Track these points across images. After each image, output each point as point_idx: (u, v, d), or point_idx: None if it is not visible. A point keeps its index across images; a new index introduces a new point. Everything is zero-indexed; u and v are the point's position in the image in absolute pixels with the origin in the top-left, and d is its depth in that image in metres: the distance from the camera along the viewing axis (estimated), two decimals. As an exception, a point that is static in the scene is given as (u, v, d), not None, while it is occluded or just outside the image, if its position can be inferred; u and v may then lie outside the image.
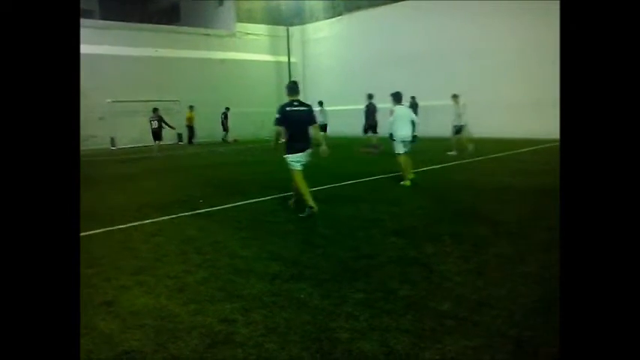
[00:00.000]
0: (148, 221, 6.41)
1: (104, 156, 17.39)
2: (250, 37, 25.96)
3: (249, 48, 25.86)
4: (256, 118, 23.46)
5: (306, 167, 6.53)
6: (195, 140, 21.42)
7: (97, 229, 5.97)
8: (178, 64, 22.96)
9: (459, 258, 4.40)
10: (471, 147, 13.13)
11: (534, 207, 6.51)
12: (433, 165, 11.25)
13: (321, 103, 18.31)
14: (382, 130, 14.03)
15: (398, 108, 8.70)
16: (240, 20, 25.65)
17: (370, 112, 15.17)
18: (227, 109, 22.20)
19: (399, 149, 8.67)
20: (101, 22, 23.17)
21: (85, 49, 15.91)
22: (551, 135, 14.07)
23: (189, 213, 6.83)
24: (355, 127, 17.38)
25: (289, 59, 27.03)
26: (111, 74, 20.52)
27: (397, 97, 8.73)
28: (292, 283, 3.93)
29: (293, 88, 6.47)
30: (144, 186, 9.98)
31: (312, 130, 6.58)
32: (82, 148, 13.52)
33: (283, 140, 6.54)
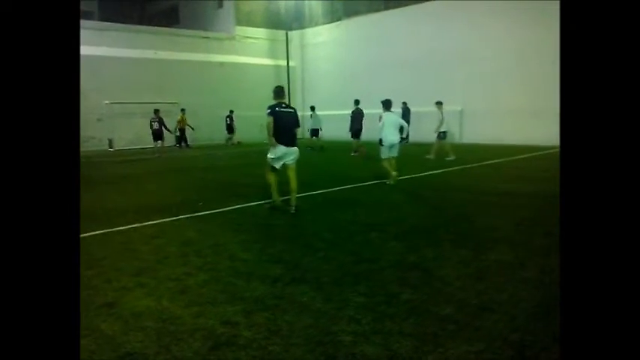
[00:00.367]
0: (147, 223, 6.40)
1: (102, 157, 17.35)
2: (250, 40, 25.95)
3: (249, 51, 25.83)
4: (257, 121, 23.36)
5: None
6: (185, 144, 20.75)
7: (96, 231, 5.96)
8: (177, 66, 22.88)
9: (458, 263, 4.43)
10: (452, 156, 13.26)
11: (533, 213, 6.54)
12: (432, 170, 11.29)
13: (312, 108, 18.39)
14: (369, 134, 14.20)
15: (387, 115, 9.22)
16: (239, 23, 25.65)
17: (356, 117, 15.49)
18: (231, 111, 21.88)
19: (385, 154, 9.30)
20: (100, 23, 23.09)
21: (83, 50, 15.76)
22: (550, 142, 14.21)
23: (189, 215, 6.83)
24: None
25: (288, 63, 27.05)
26: (110, 76, 20.44)
27: (387, 105, 9.29)
28: (294, 286, 3.94)
29: (280, 92, 7.01)
30: (143, 188, 9.98)
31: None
32: (81, 149, 13.47)
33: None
